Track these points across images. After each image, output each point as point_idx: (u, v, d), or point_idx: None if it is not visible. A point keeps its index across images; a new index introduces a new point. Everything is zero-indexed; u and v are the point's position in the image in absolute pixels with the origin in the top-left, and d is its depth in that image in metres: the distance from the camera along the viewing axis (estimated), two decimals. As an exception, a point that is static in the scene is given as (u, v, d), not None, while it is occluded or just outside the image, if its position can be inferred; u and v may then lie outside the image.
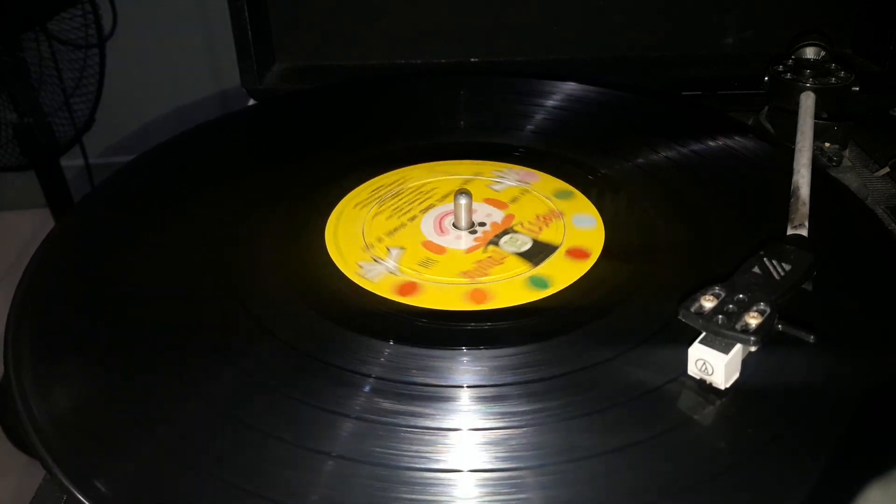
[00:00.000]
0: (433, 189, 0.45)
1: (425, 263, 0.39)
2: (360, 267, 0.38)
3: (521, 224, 0.42)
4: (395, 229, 0.41)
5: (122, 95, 1.35)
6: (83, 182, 1.27)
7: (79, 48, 1.17)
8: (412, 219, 0.42)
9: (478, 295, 0.37)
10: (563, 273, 0.38)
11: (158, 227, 0.42)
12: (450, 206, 0.43)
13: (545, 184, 0.46)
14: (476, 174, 0.47)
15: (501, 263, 0.39)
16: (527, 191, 0.45)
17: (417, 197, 0.44)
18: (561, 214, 0.43)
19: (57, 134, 1.15)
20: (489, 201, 0.44)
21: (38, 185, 1.14)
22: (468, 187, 0.45)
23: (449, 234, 0.41)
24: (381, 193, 0.44)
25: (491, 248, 0.40)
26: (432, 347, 0.33)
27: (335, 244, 0.41)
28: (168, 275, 0.38)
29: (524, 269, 0.38)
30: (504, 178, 0.46)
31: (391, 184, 0.45)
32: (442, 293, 0.37)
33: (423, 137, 0.52)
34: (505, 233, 0.41)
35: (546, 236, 0.41)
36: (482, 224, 0.42)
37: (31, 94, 1.07)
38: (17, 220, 1.51)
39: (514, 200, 0.44)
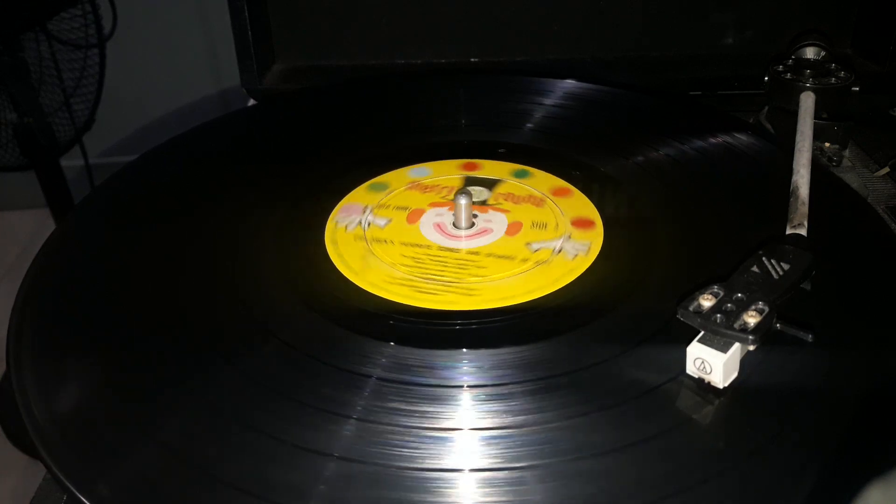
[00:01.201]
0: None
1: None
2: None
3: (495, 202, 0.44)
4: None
5: (122, 95, 1.35)
6: (83, 182, 1.27)
7: (79, 48, 1.17)
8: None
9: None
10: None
11: (159, 227, 0.42)
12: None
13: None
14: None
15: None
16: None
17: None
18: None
19: (57, 134, 1.15)
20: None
21: (38, 185, 1.14)
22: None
23: (461, 237, 0.42)
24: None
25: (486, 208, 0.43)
26: (432, 348, 0.33)
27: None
28: (168, 275, 0.38)
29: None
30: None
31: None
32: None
33: (424, 137, 0.52)
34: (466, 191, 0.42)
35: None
36: (474, 215, 0.43)
37: (31, 94, 1.07)
38: (17, 220, 1.51)
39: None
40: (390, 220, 0.43)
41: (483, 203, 0.44)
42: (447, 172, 0.47)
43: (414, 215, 0.43)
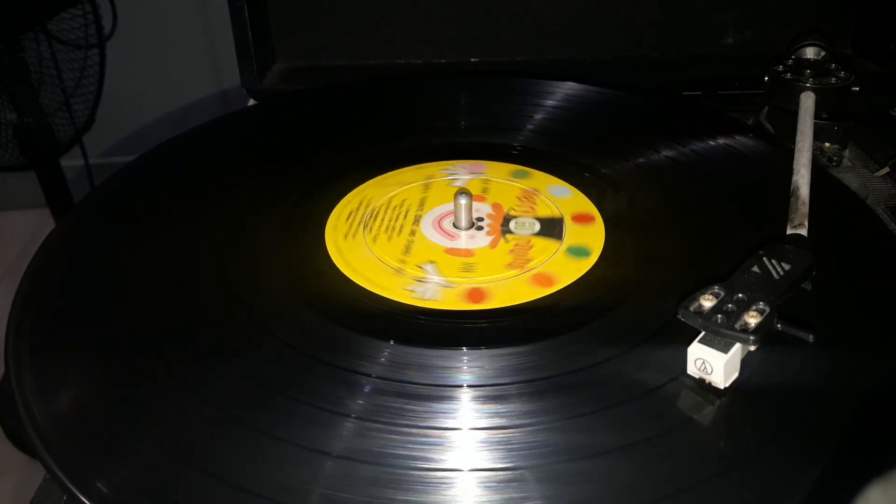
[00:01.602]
0: (404, 200, 0.44)
1: (468, 268, 0.39)
2: (413, 291, 0.37)
3: (513, 209, 0.43)
4: (408, 247, 0.40)
5: (122, 95, 1.35)
6: (83, 182, 1.27)
7: (79, 48, 1.17)
8: (413, 232, 0.41)
9: (543, 279, 0.37)
10: (587, 238, 0.40)
11: (158, 227, 0.42)
12: (440, 208, 0.43)
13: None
14: (428, 178, 0.46)
15: (532, 247, 0.40)
16: (488, 179, 0.46)
17: (397, 212, 0.43)
18: (536, 191, 0.44)
19: (57, 134, 1.15)
20: None
21: (38, 185, 1.14)
22: (429, 192, 0.45)
23: (458, 236, 0.41)
24: (359, 219, 0.43)
25: (509, 236, 0.41)
26: (432, 347, 0.33)
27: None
28: (168, 275, 0.38)
29: (556, 245, 0.40)
30: (456, 174, 0.46)
31: (360, 206, 0.44)
32: (509, 290, 0.37)
33: (423, 137, 0.52)
34: (507, 220, 0.42)
35: (543, 212, 0.43)
36: (479, 219, 0.42)
37: (31, 94, 1.07)
38: (17, 220, 1.51)
39: (485, 191, 0.45)
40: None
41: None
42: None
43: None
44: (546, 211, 0.43)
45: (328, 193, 0.45)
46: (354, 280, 0.38)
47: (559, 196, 0.44)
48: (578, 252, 0.39)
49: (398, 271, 0.38)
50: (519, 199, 0.44)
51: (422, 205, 0.44)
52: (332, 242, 0.41)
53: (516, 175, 0.47)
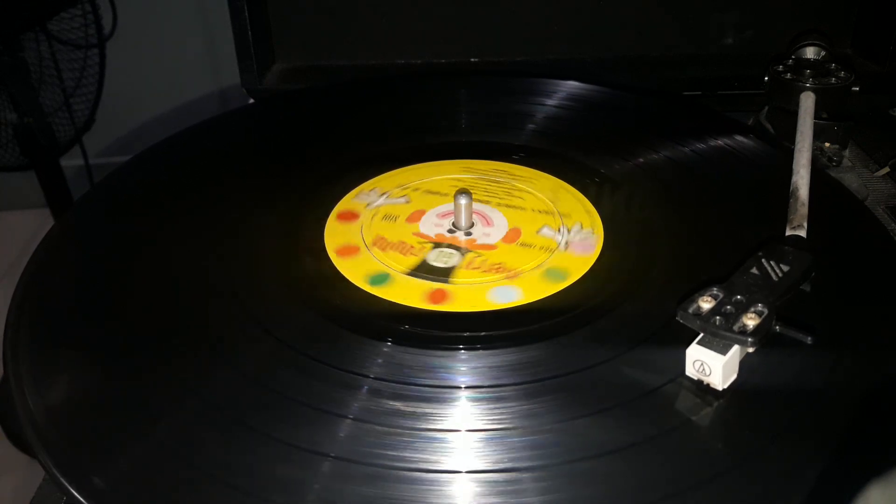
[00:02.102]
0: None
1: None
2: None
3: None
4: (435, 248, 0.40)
5: (122, 95, 1.35)
6: (83, 182, 1.27)
7: (79, 48, 1.17)
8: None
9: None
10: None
11: (157, 226, 0.42)
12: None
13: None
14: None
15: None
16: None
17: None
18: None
19: (57, 134, 1.15)
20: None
21: (38, 185, 1.14)
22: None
23: (472, 234, 0.41)
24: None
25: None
26: (430, 348, 0.33)
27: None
28: (166, 274, 0.38)
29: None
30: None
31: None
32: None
33: (423, 137, 0.52)
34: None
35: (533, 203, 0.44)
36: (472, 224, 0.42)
37: (31, 94, 1.07)
38: (17, 220, 1.51)
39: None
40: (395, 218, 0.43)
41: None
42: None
43: (415, 215, 0.43)
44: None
45: (328, 193, 0.45)
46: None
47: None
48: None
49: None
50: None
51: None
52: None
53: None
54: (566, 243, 0.41)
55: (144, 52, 1.37)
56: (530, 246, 0.40)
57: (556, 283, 0.38)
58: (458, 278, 0.38)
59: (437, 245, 0.41)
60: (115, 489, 0.27)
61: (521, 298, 0.37)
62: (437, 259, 0.39)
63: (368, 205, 0.44)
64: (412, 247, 0.40)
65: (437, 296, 0.37)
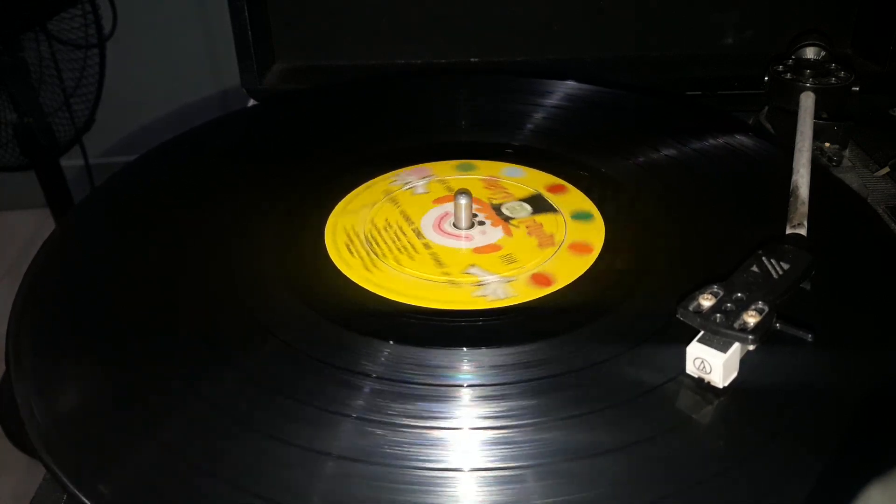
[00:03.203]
0: (387, 219, 0.43)
1: (508, 259, 0.39)
2: (485, 296, 0.36)
3: (492, 198, 0.44)
4: (436, 260, 0.39)
5: (122, 95, 1.35)
6: (83, 182, 1.27)
7: (79, 48, 1.16)
8: (427, 245, 0.40)
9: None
10: (577, 204, 0.43)
11: (158, 227, 0.42)
12: (430, 215, 0.43)
13: (490, 168, 0.47)
14: (386, 192, 0.45)
15: (542, 224, 0.42)
16: (443, 180, 0.47)
17: (392, 232, 0.42)
18: (495, 178, 0.46)
19: (57, 134, 1.15)
20: (438, 201, 0.44)
21: (38, 185, 1.14)
22: (403, 205, 0.44)
23: (472, 236, 0.41)
24: (359, 246, 0.41)
25: (514, 221, 0.42)
26: (432, 347, 0.33)
27: (334, 244, 0.41)
28: (168, 275, 0.38)
29: (559, 216, 0.42)
30: (409, 181, 0.46)
31: (349, 235, 0.42)
32: (563, 264, 0.39)
33: (423, 137, 0.52)
34: (499, 208, 0.43)
35: (520, 193, 0.45)
36: (475, 215, 0.42)
37: (31, 94, 1.07)
38: (17, 220, 1.51)
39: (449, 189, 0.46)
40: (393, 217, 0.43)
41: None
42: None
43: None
44: (520, 192, 0.44)
45: (328, 193, 0.45)
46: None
47: (516, 176, 0.46)
48: (582, 216, 0.42)
49: (452, 283, 0.37)
50: (487, 188, 0.45)
51: (409, 218, 0.43)
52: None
53: (463, 168, 0.48)
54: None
55: (144, 52, 1.37)
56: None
57: (587, 223, 0.41)
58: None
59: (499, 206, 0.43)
60: (117, 489, 0.27)
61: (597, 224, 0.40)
62: (513, 212, 0.42)
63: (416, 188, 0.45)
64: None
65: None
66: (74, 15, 1.13)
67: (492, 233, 0.41)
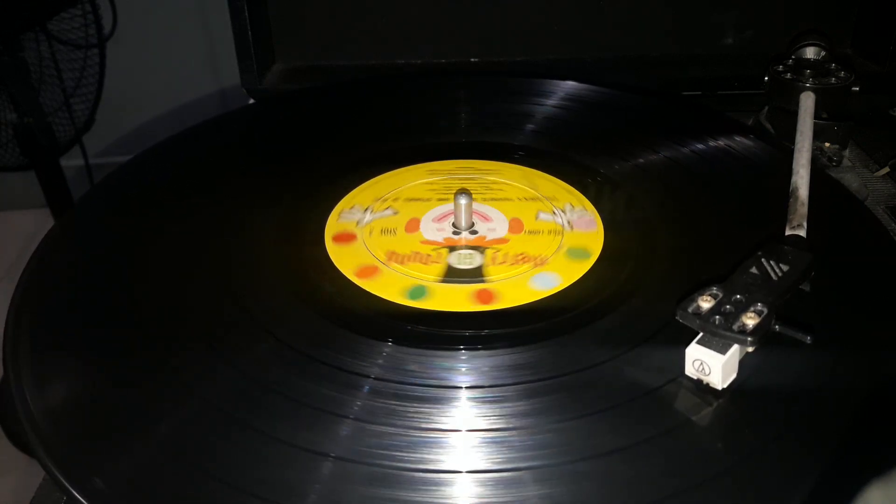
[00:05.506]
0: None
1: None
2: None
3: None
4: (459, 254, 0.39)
5: (122, 95, 1.35)
6: (83, 182, 1.27)
7: (79, 48, 1.17)
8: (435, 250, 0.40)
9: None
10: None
11: (157, 226, 0.42)
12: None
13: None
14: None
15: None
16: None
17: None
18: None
19: (57, 134, 1.15)
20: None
21: (38, 185, 1.14)
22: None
23: (478, 231, 0.41)
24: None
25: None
26: (431, 348, 0.33)
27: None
28: (167, 274, 0.38)
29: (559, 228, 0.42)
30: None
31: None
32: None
33: (423, 137, 0.52)
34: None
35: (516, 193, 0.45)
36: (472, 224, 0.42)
37: (31, 94, 1.07)
38: (17, 220, 1.51)
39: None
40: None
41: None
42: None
43: (412, 223, 0.43)
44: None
45: (328, 193, 0.45)
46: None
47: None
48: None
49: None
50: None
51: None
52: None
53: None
54: (569, 223, 0.41)
55: (144, 52, 1.37)
56: (538, 232, 0.41)
57: (582, 261, 0.38)
58: (494, 275, 0.38)
59: (453, 249, 0.40)
60: (115, 489, 0.27)
61: (562, 283, 0.37)
62: (460, 262, 0.39)
63: (358, 223, 0.42)
64: (429, 255, 0.40)
65: (484, 296, 0.36)
66: (74, 15, 1.13)
67: (500, 228, 0.42)
